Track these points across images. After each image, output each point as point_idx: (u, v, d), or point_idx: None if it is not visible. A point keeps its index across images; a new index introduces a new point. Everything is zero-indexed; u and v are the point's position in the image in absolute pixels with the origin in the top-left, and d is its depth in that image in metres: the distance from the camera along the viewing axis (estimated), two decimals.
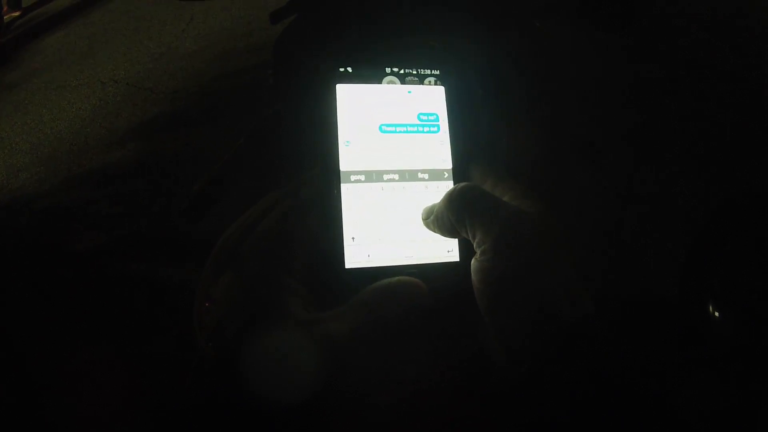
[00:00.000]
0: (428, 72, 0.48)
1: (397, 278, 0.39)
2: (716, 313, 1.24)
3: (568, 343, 0.35)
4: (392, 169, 0.45)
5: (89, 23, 4.58)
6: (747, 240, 1.30)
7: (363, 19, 0.67)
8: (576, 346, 0.35)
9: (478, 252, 0.39)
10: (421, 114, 0.47)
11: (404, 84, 0.47)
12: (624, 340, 0.35)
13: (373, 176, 0.44)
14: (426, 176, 0.46)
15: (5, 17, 4.71)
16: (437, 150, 0.47)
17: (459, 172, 0.46)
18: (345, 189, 0.43)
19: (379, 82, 0.47)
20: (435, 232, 0.43)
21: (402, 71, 0.47)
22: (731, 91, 2.40)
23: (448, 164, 0.47)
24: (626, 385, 0.34)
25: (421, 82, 0.48)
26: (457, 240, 0.44)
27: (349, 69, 0.46)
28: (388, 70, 0.47)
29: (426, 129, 0.47)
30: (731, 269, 1.31)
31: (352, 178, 0.44)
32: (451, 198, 0.41)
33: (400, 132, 0.46)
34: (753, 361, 1.11)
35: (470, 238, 0.40)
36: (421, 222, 0.44)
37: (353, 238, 0.42)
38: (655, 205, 1.98)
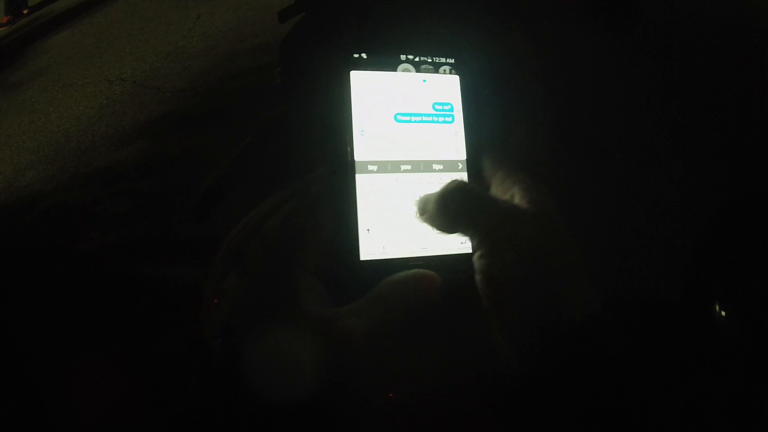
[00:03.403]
0: (443, 60, 0.47)
1: (413, 271, 0.39)
2: (721, 315, 1.24)
3: (572, 342, 0.35)
4: (407, 159, 0.44)
5: (95, 22, 4.59)
6: (752, 241, 1.30)
7: (370, 14, 0.67)
8: (580, 344, 0.35)
9: (477, 254, 0.38)
10: (436, 104, 0.46)
11: (419, 72, 0.46)
12: (630, 340, 0.35)
13: (388, 167, 0.44)
14: (440, 167, 0.45)
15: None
16: (451, 141, 0.46)
17: (473, 163, 0.46)
18: (360, 180, 0.42)
19: (394, 69, 0.46)
20: (430, 226, 0.42)
21: (417, 59, 0.46)
22: (735, 92, 2.39)
23: (462, 155, 0.46)
24: (632, 384, 0.34)
25: (436, 71, 0.47)
26: None
27: (364, 55, 0.45)
28: (402, 57, 0.46)
29: (441, 119, 0.46)
30: (736, 270, 1.30)
31: (368, 168, 0.43)
32: (441, 201, 0.40)
33: (415, 122, 0.45)
34: (758, 363, 1.10)
35: (468, 238, 0.40)
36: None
37: (368, 230, 0.42)
38: (660, 205, 1.98)
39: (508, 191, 0.42)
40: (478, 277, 0.38)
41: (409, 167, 0.44)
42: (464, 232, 0.39)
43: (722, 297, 1.25)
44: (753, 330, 1.18)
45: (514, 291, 0.37)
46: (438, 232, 0.41)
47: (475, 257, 0.38)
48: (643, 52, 2.62)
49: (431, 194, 0.41)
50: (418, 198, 0.42)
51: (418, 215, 0.42)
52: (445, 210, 0.39)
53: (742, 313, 1.22)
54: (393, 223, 0.43)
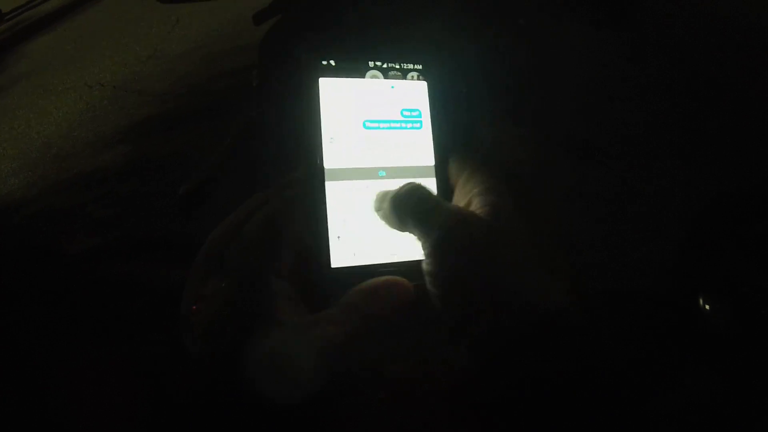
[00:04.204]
0: (411, 67, 0.47)
1: (384, 278, 0.39)
2: (708, 307, 1.25)
3: (525, 340, 0.35)
4: (376, 166, 0.44)
5: (75, 27, 4.55)
6: (739, 234, 1.31)
7: (345, 16, 0.67)
8: (533, 342, 0.35)
9: (424, 254, 0.39)
10: (404, 110, 0.46)
11: (387, 78, 0.46)
12: (607, 334, 0.36)
13: (357, 174, 0.44)
14: (410, 174, 0.45)
15: None
16: (420, 147, 0.46)
17: (441, 169, 0.46)
18: (329, 187, 0.43)
19: (362, 76, 0.46)
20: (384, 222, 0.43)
21: (385, 65, 0.46)
22: (728, 89, 2.41)
23: (431, 161, 0.46)
24: (604, 379, 0.34)
25: (404, 77, 0.47)
26: None
27: (332, 62, 0.45)
28: (371, 63, 0.46)
29: (409, 125, 0.46)
30: (724, 263, 1.31)
31: (337, 175, 0.43)
32: (394, 200, 0.41)
33: (383, 128, 0.45)
34: (746, 356, 1.11)
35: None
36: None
37: (339, 237, 0.42)
38: (649, 201, 1.99)
39: (467, 195, 0.42)
40: (426, 279, 0.38)
41: (378, 174, 0.44)
42: (414, 233, 0.40)
43: (710, 289, 1.26)
44: (741, 322, 1.18)
45: (458, 294, 0.37)
46: (390, 227, 0.42)
47: (424, 262, 0.39)
48: (640, 48, 2.63)
49: (389, 191, 0.42)
50: (376, 193, 0.43)
51: (374, 209, 0.43)
52: (398, 210, 0.40)
53: (730, 305, 1.23)
54: (363, 230, 0.43)
